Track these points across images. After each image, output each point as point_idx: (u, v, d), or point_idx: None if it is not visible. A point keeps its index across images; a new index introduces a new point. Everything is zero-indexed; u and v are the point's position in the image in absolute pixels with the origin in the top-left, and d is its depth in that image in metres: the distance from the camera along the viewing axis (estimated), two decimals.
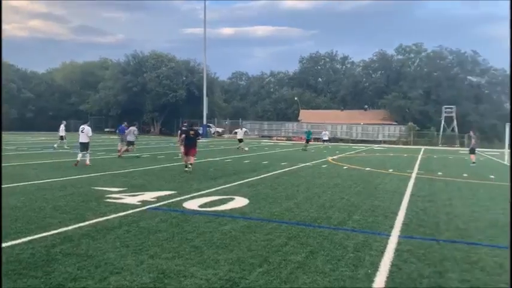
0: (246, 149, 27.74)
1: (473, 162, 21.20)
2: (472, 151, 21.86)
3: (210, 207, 8.26)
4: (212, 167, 15.85)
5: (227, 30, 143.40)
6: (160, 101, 61.00)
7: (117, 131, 24.07)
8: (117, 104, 62.12)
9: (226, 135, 60.57)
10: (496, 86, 64.39)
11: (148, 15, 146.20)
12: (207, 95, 54.68)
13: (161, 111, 62.82)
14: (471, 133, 23.34)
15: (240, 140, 28.73)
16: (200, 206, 8.30)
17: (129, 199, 8.81)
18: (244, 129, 31.01)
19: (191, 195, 9.57)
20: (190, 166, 14.24)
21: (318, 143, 42.16)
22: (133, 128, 20.28)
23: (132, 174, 13.34)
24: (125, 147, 20.05)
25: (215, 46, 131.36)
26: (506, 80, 63.80)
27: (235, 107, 76.36)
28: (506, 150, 25.22)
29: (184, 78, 63.05)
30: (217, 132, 60.59)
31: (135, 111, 60.11)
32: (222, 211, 7.92)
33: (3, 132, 25.35)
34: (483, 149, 44.59)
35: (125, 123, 22.19)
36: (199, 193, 9.89)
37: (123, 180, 11.88)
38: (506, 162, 23.54)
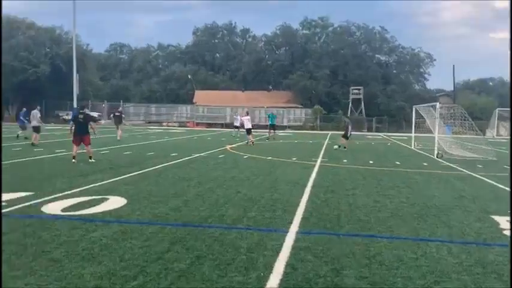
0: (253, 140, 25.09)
1: (340, 146, 23.53)
2: (346, 136, 24.24)
3: (76, 210, 7.87)
4: (82, 160, 15.08)
5: None
6: (16, 78, 56.41)
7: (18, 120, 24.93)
8: None
9: (103, 121, 57.98)
10: (405, 65, 70.51)
11: None
12: (77, 71, 51.64)
13: (18, 92, 58.09)
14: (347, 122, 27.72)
15: (249, 131, 25.01)
16: (64, 210, 7.87)
17: None
18: (246, 116, 25.83)
19: (53, 196, 9.01)
20: (91, 158, 15.02)
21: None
22: (35, 112, 20.78)
23: None
24: (34, 135, 20.47)
25: (87, 11, 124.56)
26: (414, 59, 70.22)
27: (114, 86, 73.55)
28: (413, 135, 27.91)
29: (47, 49, 59.13)
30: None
31: None
32: (92, 215, 7.60)
33: None
34: (390, 133, 48.82)
35: (24, 109, 23.72)
36: (63, 193, 9.35)
37: None
38: (413, 147, 26.03)
